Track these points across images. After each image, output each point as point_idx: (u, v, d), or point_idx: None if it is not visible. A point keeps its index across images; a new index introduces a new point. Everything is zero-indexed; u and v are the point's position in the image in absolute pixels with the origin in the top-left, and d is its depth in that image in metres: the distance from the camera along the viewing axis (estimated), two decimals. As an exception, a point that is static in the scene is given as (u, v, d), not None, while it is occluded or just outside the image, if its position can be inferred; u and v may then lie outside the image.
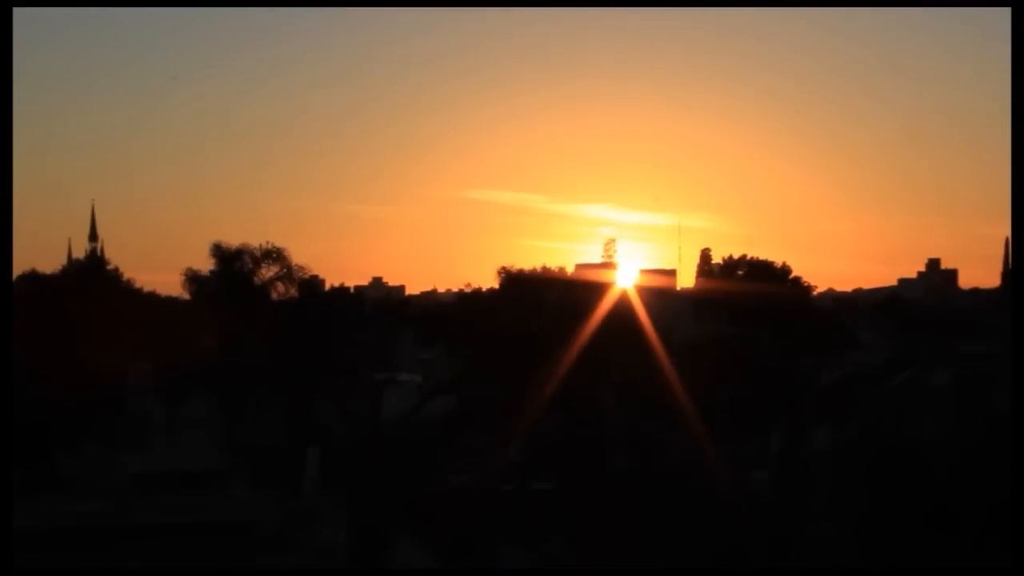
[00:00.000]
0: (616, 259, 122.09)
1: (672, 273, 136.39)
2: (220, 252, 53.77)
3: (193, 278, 54.15)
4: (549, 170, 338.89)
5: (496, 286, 56.77)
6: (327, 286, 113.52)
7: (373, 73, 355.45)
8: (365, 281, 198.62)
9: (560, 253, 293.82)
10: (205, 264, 54.59)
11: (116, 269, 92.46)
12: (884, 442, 45.19)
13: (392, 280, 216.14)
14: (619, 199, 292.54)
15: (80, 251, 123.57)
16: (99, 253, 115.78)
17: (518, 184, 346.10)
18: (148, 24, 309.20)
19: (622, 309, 53.67)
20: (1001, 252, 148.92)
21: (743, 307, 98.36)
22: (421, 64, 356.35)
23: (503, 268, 55.61)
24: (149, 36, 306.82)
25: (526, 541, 44.38)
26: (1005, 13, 38.21)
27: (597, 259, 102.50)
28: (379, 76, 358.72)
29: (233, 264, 53.29)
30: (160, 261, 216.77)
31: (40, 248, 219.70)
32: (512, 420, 46.77)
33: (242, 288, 53.80)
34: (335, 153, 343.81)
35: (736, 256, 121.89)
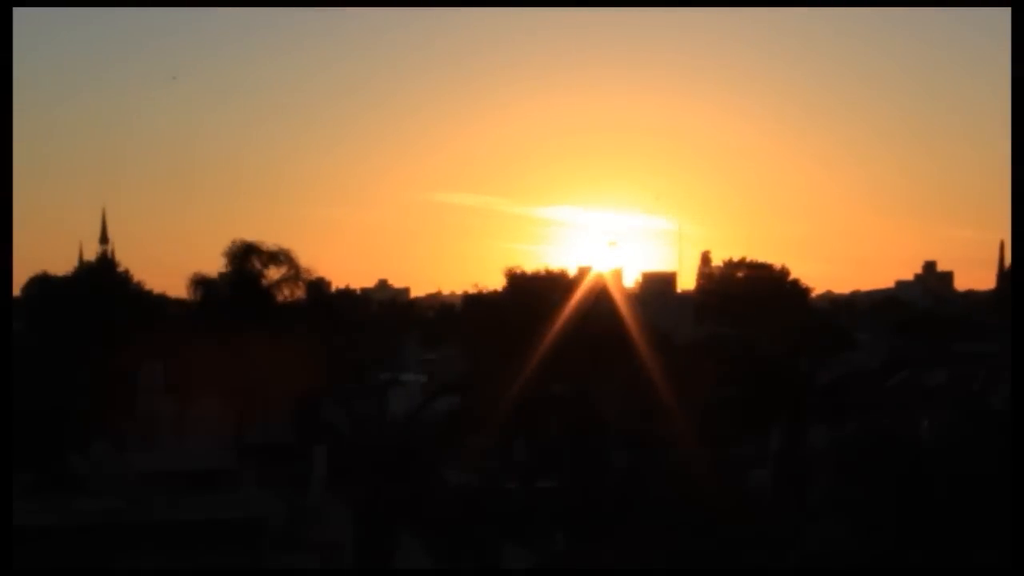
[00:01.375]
0: (618, 261, 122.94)
1: (672, 276, 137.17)
2: (234, 250, 54.21)
3: (200, 282, 54.51)
4: (513, 172, 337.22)
5: (499, 288, 57.35)
6: (333, 288, 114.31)
7: (340, 73, 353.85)
8: (371, 283, 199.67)
9: (530, 255, 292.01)
10: (215, 264, 54.94)
11: (126, 272, 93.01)
12: (881, 442, 45.70)
13: (397, 282, 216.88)
14: (584, 201, 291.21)
15: (91, 254, 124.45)
16: (109, 256, 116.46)
17: (479, 186, 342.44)
18: (155, 23, 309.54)
19: (624, 310, 54.27)
20: (996, 255, 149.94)
21: (743, 308, 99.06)
22: (375, 63, 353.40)
23: (509, 269, 56.25)
24: (156, 36, 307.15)
25: (529, 540, 44.89)
26: (1005, 13, 38.71)
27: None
28: (345, 76, 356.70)
29: (245, 264, 53.71)
30: (170, 264, 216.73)
31: (51, 251, 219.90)
32: (516, 420, 47.39)
33: (251, 289, 54.30)
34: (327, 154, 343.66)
35: (736, 259, 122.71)
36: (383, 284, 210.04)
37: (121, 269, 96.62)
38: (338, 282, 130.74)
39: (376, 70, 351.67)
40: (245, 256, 53.49)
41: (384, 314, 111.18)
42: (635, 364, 47.21)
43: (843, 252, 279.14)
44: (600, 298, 53.82)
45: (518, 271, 54.05)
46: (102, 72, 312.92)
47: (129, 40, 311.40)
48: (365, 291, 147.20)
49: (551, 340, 47.20)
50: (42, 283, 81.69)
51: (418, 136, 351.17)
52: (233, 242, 54.01)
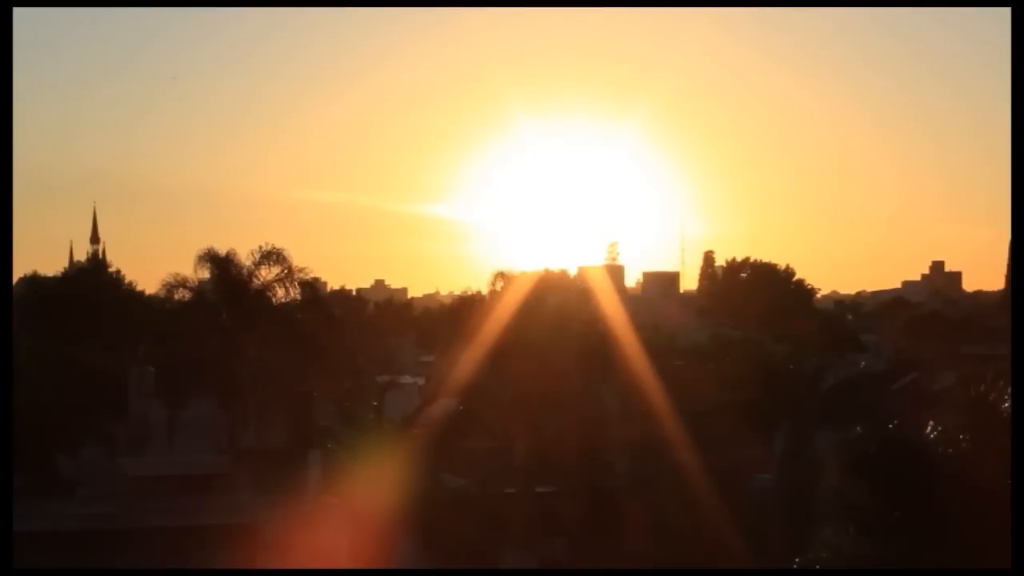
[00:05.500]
0: (619, 261, 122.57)
1: (675, 276, 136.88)
2: (213, 258, 53.60)
3: (178, 285, 53.70)
4: (390, 170, 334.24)
5: (495, 289, 56.67)
6: (329, 288, 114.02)
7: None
8: (368, 284, 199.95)
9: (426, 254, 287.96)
10: (191, 270, 54.14)
11: (118, 272, 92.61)
12: (888, 444, 45.10)
13: (394, 283, 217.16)
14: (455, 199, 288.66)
15: (81, 254, 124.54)
16: (100, 256, 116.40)
17: (349, 184, 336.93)
18: (150, 24, 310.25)
19: (625, 311, 53.67)
20: (1005, 254, 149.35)
21: (747, 309, 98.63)
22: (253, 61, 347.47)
23: (500, 273, 55.48)
24: (150, 36, 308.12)
25: (528, 543, 44.45)
26: (1005, 13, 38.04)
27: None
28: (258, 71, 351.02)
29: (228, 269, 53.06)
30: (163, 264, 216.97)
31: (41, 251, 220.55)
32: (515, 423, 46.84)
33: (241, 290, 53.66)
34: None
35: (740, 259, 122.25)
36: (379, 284, 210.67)
37: (112, 269, 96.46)
38: (334, 283, 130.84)
39: (250, 67, 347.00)
40: (225, 262, 52.80)
41: (381, 315, 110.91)
42: (636, 365, 46.60)
43: (849, 252, 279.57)
44: (600, 299, 53.11)
45: (511, 274, 53.26)
46: (96, 72, 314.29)
47: (127, 40, 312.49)
48: (361, 291, 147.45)
49: (545, 341, 46.58)
50: (32, 283, 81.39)
51: (288, 133, 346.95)
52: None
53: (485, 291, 54.02)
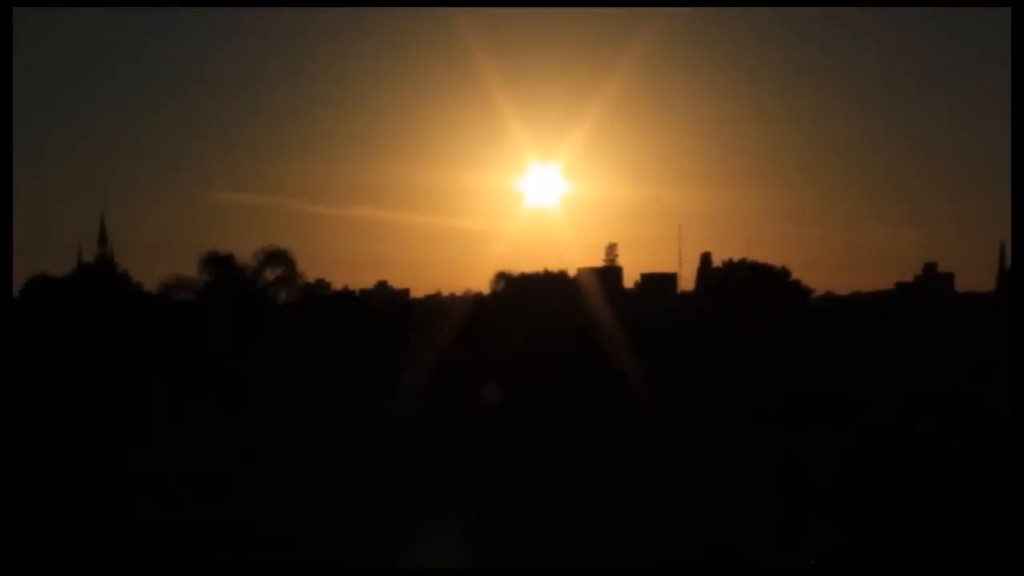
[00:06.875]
0: (618, 263, 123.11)
1: (672, 277, 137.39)
2: (215, 259, 54.25)
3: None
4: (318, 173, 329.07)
5: (496, 290, 57.30)
6: (331, 289, 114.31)
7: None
8: (370, 284, 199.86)
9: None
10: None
11: (125, 272, 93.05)
12: (883, 443, 45.81)
13: (397, 283, 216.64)
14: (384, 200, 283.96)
15: (90, 255, 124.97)
16: (108, 257, 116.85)
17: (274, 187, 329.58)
18: (158, 24, 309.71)
19: (623, 311, 54.34)
20: (996, 256, 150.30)
21: (743, 309, 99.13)
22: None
23: (502, 272, 56.12)
24: (156, 36, 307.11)
25: (529, 540, 45.03)
26: (1005, 13, 38.85)
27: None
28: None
29: (229, 270, 53.68)
30: (170, 265, 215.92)
31: (50, 253, 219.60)
32: (515, 421, 47.52)
33: (244, 291, 54.29)
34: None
35: (736, 259, 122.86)
36: (382, 285, 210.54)
37: (120, 270, 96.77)
38: (337, 283, 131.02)
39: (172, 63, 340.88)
40: (225, 263, 53.47)
41: (383, 315, 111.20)
42: (633, 365, 47.38)
43: (844, 253, 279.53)
44: (599, 300, 53.88)
45: (513, 274, 54.00)
46: (102, 72, 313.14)
47: (129, 40, 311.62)
48: (364, 292, 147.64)
49: (543, 340, 47.36)
50: (41, 284, 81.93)
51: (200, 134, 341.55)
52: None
53: (486, 292, 54.73)
